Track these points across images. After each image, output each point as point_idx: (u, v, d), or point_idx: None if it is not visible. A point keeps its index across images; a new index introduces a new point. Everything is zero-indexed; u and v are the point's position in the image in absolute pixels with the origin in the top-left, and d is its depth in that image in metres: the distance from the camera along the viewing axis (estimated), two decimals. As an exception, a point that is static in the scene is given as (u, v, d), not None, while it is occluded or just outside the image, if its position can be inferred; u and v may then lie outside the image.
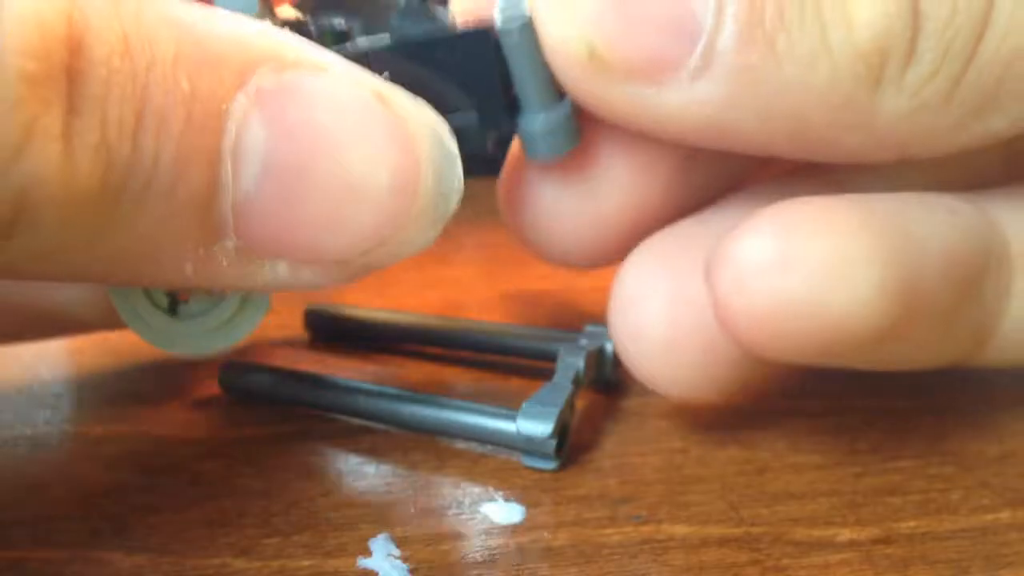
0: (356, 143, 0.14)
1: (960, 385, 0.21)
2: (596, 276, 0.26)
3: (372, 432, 0.19)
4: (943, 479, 0.18)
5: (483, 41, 0.17)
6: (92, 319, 0.19)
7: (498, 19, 0.16)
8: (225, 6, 0.15)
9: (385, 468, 0.18)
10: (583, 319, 0.24)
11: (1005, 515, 0.17)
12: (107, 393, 0.20)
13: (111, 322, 0.17)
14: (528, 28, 0.16)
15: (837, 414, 0.20)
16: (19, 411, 0.20)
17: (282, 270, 0.15)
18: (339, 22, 0.18)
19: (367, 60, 0.16)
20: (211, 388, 0.21)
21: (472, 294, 0.25)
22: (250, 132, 0.13)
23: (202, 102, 0.13)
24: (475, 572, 0.16)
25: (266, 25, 0.14)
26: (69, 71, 0.12)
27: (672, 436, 0.19)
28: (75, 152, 0.12)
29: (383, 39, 0.17)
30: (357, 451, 0.19)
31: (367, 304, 0.24)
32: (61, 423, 0.19)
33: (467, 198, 0.31)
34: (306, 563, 0.16)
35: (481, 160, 0.34)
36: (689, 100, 0.15)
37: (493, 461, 0.18)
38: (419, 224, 0.15)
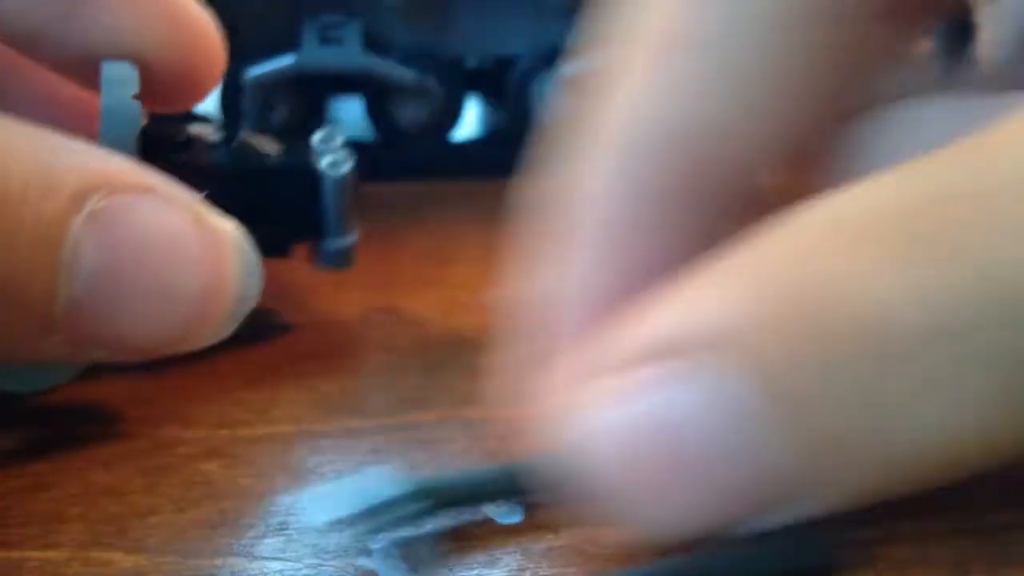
0: (171, 256, 0.17)
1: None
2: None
3: (372, 432, 0.19)
4: (943, 479, 0.18)
5: (305, 176, 0.22)
6: None
7: (325, 164, 0.22)
8: (107, 132, 0.19)
9: (385, 468, 0.18)
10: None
11: (1005, 515, 0.17)
12: (106, 393, 0.20)
13: None
14: (350, 174, 0.22)
15: (837, 414, 0.20)
16: (18, 410, 0.20)
17: (101, 354, 0.17)
18: (183, 135, 0.22)
19: (204, 174, 0.20)
20: (210, 388, 0.21)
21: (472, 294, 0.25)
22: (82, 248, 0.16)
23: (44, 226, 0.16)
24: (475, 572, 0.16)
25: (102, 153, 0.17)
26: None
27: (672, 436, 0.19)
28: None
29: (222, 157, 0.22)
30: (357, 451, 0.19)
31: (365, 305, 0.24)
32: (61, 423, 0.19)
33: (467, 198, 0.31)
34: (306, 563, 0.16)
35: (479, 161, 0.34)
36: None
37: (493, 461, 0.18)
38: (221, 323, 0.18)
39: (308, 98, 0.31)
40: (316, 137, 0.22)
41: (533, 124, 0.33)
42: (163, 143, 0.21)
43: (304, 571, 0.16)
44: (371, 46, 0.31)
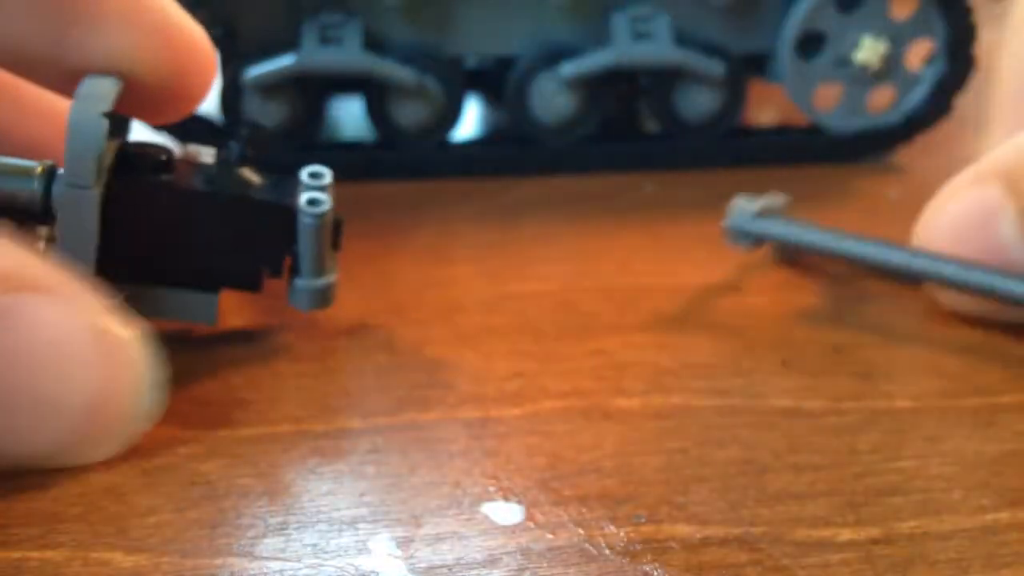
0: (58, 364, 0.16)
1: (960, 385, 0.21)
2: (596, 276, 0.26)
3: (372, 432, 0.19)
4: (943, 479, 0.18)
5: (284, 214, 0.21)
6: None
7: (303, 202, 0.21)
8: (71, 147, 0.19)
9: (385, 468, 0.18)
10: (583, 319, 0.24)
11: (1005, 515, 0.17)
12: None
13: None
14: (325, 217, 0.21)
15: (837, 414, 0.20)
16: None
17: None
18: (164, 155, 0.21)
19: (181, 196, 0.20)
20: (210, 388, 0.21)
21: (472, 294, 0.25)
22: None
23: None
24: (475, 572, 0.16)
25: (6, 245, 0.16)
26: None
27: (672, 436, 0.19)
28: None
29: (199, 184, 0.21)
30: (357, 451, 0.19)
31: (364, 305, 0.24)
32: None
33: (467, 197, 0.31)
34: (306, 563, 0.16)
35: (479, 161, 0.34)
36: None
37: (493, 461, 0.18)
38: (106, 442, 0.17)
39: (308, 98, 0.31)
40: (305, 172, 0.22)
41: (533, 124, 0.33)
42: (142, 162, 0.20)
43: (304, 571, 0.16)
44: (371, 46, 0.31)
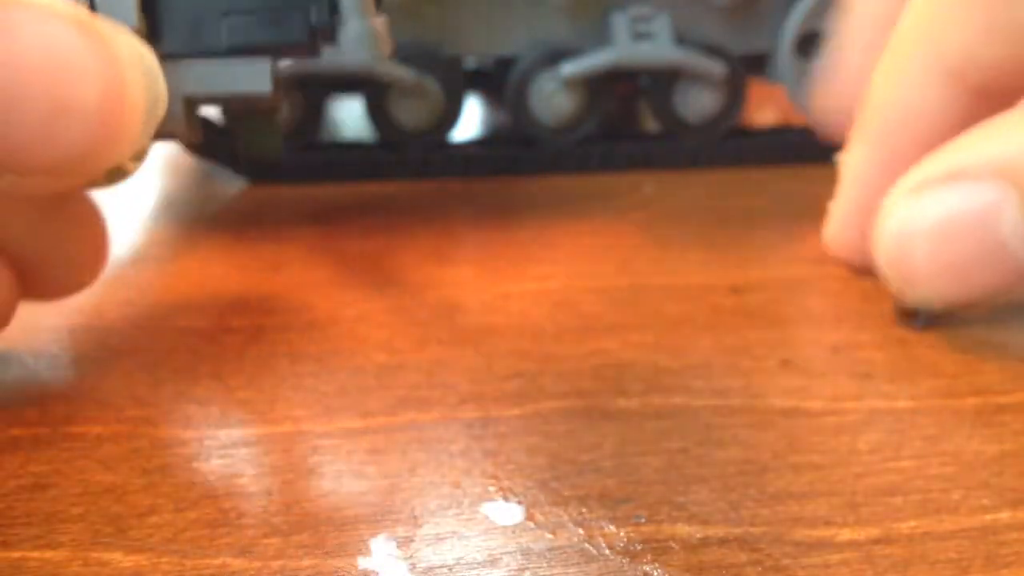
0: (58, 70, 0.16)
1: (960, 385, 0.21)
2: (597, 277, 0.26)
3: (372, 432, 0.19)
4: (943, 479, 0.18)
5: None
6: None
7: None
8: None
9: (385, 468, 0.18)
10: (583, 319, 0.24)
11: (1005, 515, 0.17)
12: (106, 393, 0.20)
13: None
14: None
15: (837, 414, 0.20)
16: (17, 411, 0.20)
17: (9, 180, 0.17)
18: None
19: None
20: (210, 388, 0.21)
21: (472, 294, 0.25)
22: None
23: None
24: (475, 572, 0.16)
25: None
26: None
27: (672, 436, 0.19)
28: None
29: None
30: (357, 451, 0.19)
31: (364, 305, 0.24)
32: (60, 423, 0.19)
33: (467, 197, 0.31)
34: (306, 563, 0.16)
35: (479, 161, 0.34)
36: None
37: (493, 461, 0.18)
38: (130, 133, 0.17)
39: (308, 98, 0.31)
40: None
41: (533, 124, 0.33)
42: None
43: (304, 571, 0.16)
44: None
